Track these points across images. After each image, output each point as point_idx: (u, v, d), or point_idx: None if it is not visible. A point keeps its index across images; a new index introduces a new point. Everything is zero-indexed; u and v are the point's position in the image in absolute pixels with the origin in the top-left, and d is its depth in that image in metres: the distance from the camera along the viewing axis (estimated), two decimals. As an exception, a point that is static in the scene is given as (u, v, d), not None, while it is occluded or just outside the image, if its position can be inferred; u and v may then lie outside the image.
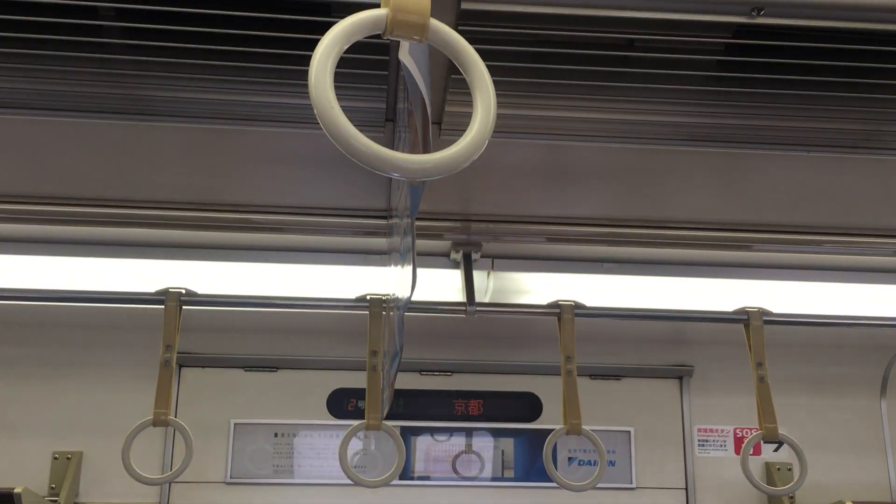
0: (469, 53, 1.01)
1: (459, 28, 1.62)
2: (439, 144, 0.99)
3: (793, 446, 2.38)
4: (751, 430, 2.97)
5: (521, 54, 1.76)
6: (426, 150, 1.17)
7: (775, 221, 2.51)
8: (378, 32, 0.98)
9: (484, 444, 3.01)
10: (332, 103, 0.91)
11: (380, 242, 2.54)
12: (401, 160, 0.95)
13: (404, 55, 1.07)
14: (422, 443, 2.99)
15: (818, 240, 2.56)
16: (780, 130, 2.00)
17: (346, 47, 0.94)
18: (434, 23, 1.00)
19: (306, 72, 0.93)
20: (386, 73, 1.81)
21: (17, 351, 2.91)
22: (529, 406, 3.05)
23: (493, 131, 1.00)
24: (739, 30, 1.67)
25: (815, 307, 2.73)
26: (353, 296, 2.41)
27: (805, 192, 2.37)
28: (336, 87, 0.95)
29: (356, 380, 2.86)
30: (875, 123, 1.98)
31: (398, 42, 1.04)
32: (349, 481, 2.27)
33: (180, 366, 2.92)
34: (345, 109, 0.93)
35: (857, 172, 2.25)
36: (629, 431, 3.04)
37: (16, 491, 2.36)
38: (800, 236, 2.55)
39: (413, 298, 2.39)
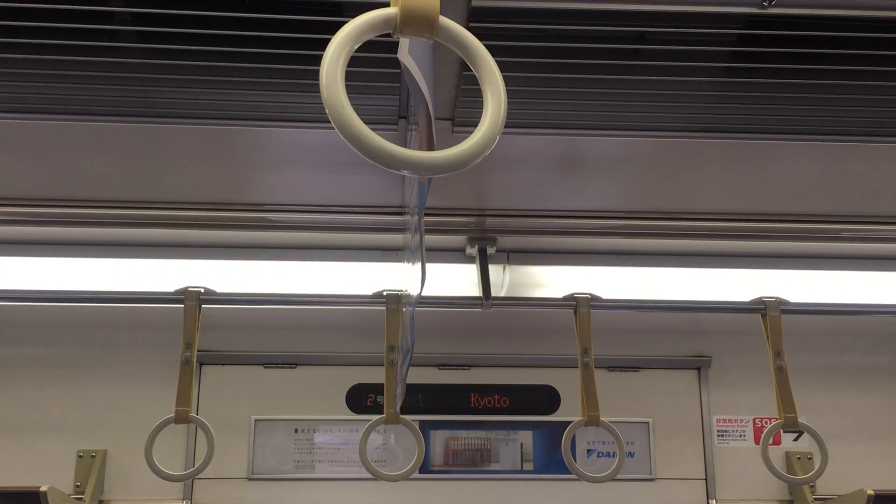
0: (478, 50, 1.01)
1: (471, 25, 1.63)
2: (452, 140, 1.00)
3: (813, 434, 2.37)
4: (770, 419, 2.96)
5: (533, 49, 1.76)
6: (430, 149, 1.18)
7: (791, 210, 2.50)
8: (388, 31, 0.99)
9: (503, 437, 3.02)
10: (342, 102, 0.92)
11: (396, 239, 2.56)
12: (411, 157, 0.96)
13: (404, 55, 1.07)
14: (441, 437, 3.00)
15: (835, 228, 2.55)
16: (794, 120, 2.00)
17: (356, 46, 0.95)
18: (443, 20, 1.01)
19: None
20: (399, 70, 1.82)
21: (41, 352, 2.95)
22: (548, 398, 3.05)
23: (506, 126, 1.01)
24: (751, 20, 1.67)
25: (834, 296, 2.72)
26: (370, 292, 2.43)
27: (821, 181, 2.36)
28: (348, 84, 0.96)
29: (375, 375, 2.86)
30: (890, 110, 1.97)
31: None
32: (370, 476, 2.29)
33: (201, 364, 2.95)
34: (357, 106, 0.94)
35: (872, 160, 2.23)
36: (648, 423, 3.04)
37: (42, 489, 2.39)
38: (816, 225, 2.54)
39: (429, 294, 2.39)
